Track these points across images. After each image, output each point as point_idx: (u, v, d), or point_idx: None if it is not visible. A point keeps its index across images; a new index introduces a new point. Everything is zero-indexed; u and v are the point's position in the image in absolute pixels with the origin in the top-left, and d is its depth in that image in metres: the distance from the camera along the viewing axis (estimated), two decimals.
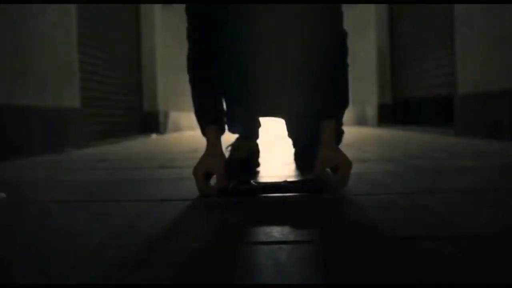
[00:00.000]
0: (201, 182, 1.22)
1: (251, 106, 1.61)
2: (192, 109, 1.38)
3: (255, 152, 1.79)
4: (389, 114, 6.16)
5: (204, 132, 1.33)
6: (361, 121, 6.86)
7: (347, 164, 1.24)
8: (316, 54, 1.37)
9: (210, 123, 1.33)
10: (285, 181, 1.22)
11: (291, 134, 1.76)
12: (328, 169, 1.29)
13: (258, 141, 1.83)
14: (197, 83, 1.37)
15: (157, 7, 5.87)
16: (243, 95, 1.57)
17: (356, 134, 4.31)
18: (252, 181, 1.22)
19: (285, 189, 1.21)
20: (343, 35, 1.38)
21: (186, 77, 1.40)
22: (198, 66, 1.37)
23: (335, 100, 1.35)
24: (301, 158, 1.83)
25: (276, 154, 2.38)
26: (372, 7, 6.39)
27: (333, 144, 1.31)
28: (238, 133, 1.77)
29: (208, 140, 1.31)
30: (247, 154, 1.71)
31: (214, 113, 1.34)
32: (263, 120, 1.82)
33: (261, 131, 1.83)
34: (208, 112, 1.34)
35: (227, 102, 1.63)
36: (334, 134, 1.32)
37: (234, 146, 1.74)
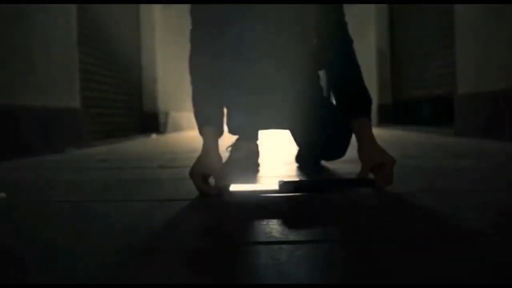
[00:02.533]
0: (199, 182, 1.22)
1: (254, 116, 1.62)
2: (192, 109, 1.38)
3: (255, 152, 1.79)
4: (389, 114, 6.16)
5: (201, 133, 1.33)
6: None
7: (392, 161, 1.24)
8: (332, 60, 1.46)
9: (208, 125, 1.33)
10: (338, 179, 1.21)
11: (298, 139, 1.78)
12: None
13: (258, 142, 1.83)
14: (197, 84, 1.37)
15: (157, 7, 5.87)
16: (245, 102, 1.58)
17: None
18: (299, 179, 1.21)
19: (337, 188, 1.21)
20: (351, 43, 1.48)
21: (186, 78, 1.40)
22: (199, 68, 1.37)
23: (364, 97, 1.41)
24: (303, 158, 1.84)
25: (276, 155, 2.38)
26: (372, 7, 6.39)
27: (375, 142, 1.31)
28: (238, 134, 1.77)
29: (204, 141, 1.31)
30: (247, 155, 1.71)
31: (212, 115, 1.34)
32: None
33: (261, 132, 1.83)
34: (207, 113, 1.34)
35: (227, 104, 1.63)
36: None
37: (234, 146, 1.74)
